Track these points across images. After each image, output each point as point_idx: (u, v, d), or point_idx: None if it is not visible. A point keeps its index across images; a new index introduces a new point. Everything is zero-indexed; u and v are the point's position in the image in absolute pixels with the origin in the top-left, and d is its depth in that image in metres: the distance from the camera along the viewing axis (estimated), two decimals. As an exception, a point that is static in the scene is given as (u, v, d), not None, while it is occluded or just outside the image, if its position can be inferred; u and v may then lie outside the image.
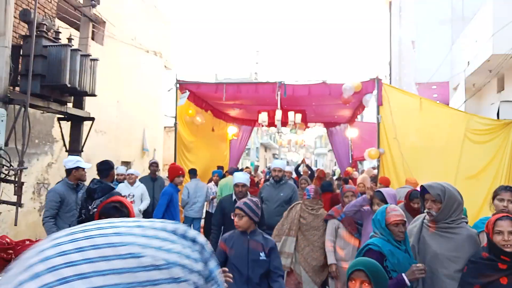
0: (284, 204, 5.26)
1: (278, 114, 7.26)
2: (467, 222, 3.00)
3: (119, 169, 6.95)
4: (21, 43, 5.90)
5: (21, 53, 5.80)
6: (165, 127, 14.41)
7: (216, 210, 4.74)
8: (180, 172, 5.51)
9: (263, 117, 8.29)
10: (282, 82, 7.03)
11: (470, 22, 7.74)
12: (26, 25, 6.21)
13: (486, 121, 6.51)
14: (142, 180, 6.82)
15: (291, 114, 8.06)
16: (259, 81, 21.55)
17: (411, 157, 6.35)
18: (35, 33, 5.51)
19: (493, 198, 3.29)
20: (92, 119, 6.86)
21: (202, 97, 8.48)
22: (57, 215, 4.31)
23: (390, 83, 12.56)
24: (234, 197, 4.48)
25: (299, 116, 8.27)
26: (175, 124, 7.53)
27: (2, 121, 4.84)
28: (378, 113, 6.55)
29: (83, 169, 4.50)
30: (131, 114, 10.99)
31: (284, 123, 8.68)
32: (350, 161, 11.43)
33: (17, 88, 5.75)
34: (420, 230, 2.66)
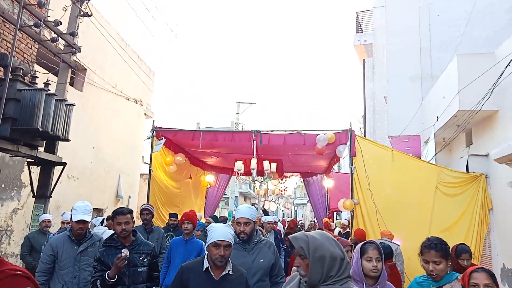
0: (265, 277, 3.23)
1: (253, 162, 7.29)
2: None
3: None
4: (-4, 86, 5.87)
5: (-6, 96, 5.75)
6: (142, 174, 14.21)
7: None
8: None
9: (239, 165, 8.30)
10: (258, 131, 7.12)
11: (438, 79, 8.16)
12: (2, 69, 6.22)
13: (456, 174, 6.66)
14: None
15: (266, 163, 8.10)
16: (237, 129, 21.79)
17: (384, 208, 6.37)
18: (10, 77, 5.51)
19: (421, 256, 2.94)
20: (64, 164, 6.73)
21: (179, 144, 8.48)
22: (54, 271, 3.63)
23: (364, 135, 12.90)
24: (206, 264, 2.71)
25: (274, 165, 8.32)
26: (150, 171, 7.44)
27: (-35, 163, 4.69)
28: (351, 164, 6.65)
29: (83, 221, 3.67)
30: (107, 160, 10.85)
31: (261, 171, 8.70)
32: (327, 212, 11.38)
33: (-14, 131, 5.64)
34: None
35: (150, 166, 7.39)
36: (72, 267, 3.61)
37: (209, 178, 10.91)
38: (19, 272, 2.78)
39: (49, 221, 5.60)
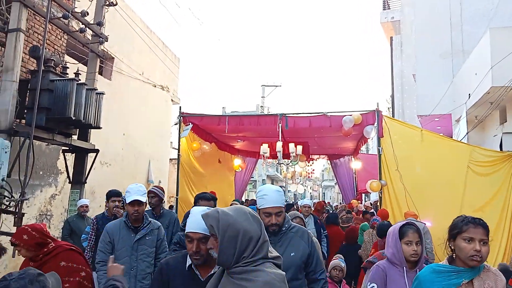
0: (298, 274, 2.62)
1: (279, 145, 7.30)
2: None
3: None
4: (29, 77, 6.11)
5: (29, 87, 6.00)
6: (171, 159, 14.53)
7: None
8: None
9: (264, 148, 8.34)
10: (283, 114, 7.11)
11: (470, 55, 7.86)
12: (35, 61, 6.44)
13: (489, 153, 6.46)
14: None
15: (291, 146, 8.10)
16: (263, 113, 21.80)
17: (413, 189, 6.28)
18: (43, 68, 5.72)
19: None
20: (97, 151, 6.97)
21: (205, 129, 8.59)
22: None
23: (393, 116, 12.64)
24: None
25: (299, 148, 8.31)
26: (178, 156, 7.60)
27: (6, 152, 4.95)
28: (379, 145, 6.56)
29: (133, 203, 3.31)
30: (137, 146, 11.14)
31: (287, 154, 8.72)
32: (355, 194, 11.32)
33: (23, 121, 5.91)
34: (219, 277, 1.74)
35: (178, 151, 7.55)
36: (129, 257, 3.26)
37: (236, 162, 11.04)
38: (73, 248, 3.04)
39: (87, 206, 5.85)
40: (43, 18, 7.11)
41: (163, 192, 4.86)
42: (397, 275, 2.55)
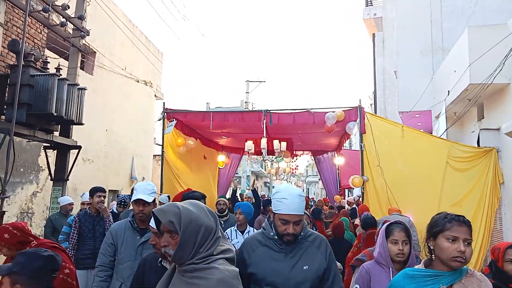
0: None
1: (263, 142, 7.35)
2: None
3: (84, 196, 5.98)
4: (9, 72, 5.99)
5: (8, 82, 5.89)
6: (154, 156, 14.44)
7: None
8: None
9: (249, 145, 8.37)
10: (268, 111, 7.15)
11: (449, 52, 8.02)
12: (14, 55, 6.32)
13: (467, 149, 6.64)
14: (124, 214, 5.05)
15: (276, 143, 8.15)
16: (248, 109, 21.83)
17: (394, 184, 6.41)
18: (22, 63, 5.61)
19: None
20: (79, 147, 6.89)
21: (190, 125, 8.56)
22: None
23: (375, 112, 12.83)
24: None
25: (284, 144, 8.36)
26: (162, 152, 7.57)
27: (-15, 149, 4.86)
28: (361, 141, 6.66)
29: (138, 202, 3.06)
30: (120, 142, 11.03)
31: (271, 151, 8.76)
32: (339, 189, 11.47)
33: (2, 117, 5.79)
34: (171, 274, 1.67)
35: (162, 148, 7.52)
36: (132, 262, 2.94)
37: (221, 158, 11.04)
38: (56, 245, 3.06)
39: (72, 204, 5.77)
40: (22, 11, 6.98)
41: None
42: (382, 276, 2.41)
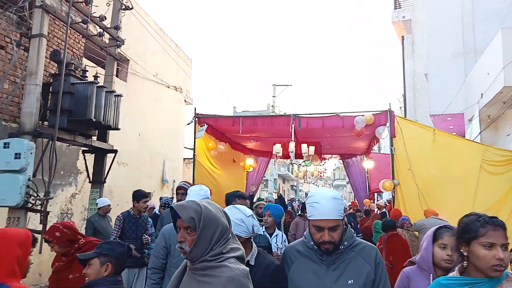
0: None
1: (291, 146, 7.43)
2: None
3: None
4: (51, 81, 6.33)
5: (50, 90, 6.22)
6: (184, 159, 14.75)
7: None
8: None
9: (277, 148, 8.47)
10: (296, 115, 7.23)
11: (482, 55, 7.88)
12: (55, 64, 6.66)
13: (502, 152, 6.50)
14: (166, 215, 4.57)
15: (304, 147, 8.22)
16: (276, 113, 21.92)
17: (426, 188, 6.35)
18: (64, 72, 5.93)
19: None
20: (115, 151, 7.17)
21: (219, 130, 8.75)
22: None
23: (405, 115, 12.66)
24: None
25: (312, 148, 8.41)
26: (194, 156, 7.77)
27: (31, 153, 5.16)
28: (391, 144, 6.64)
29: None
30: (152, 146, 11.36)
31: (299, 155, 8.83)
32: (368, 193, 11.38)
33: (45, 123, 6.13)
34: (182, 273, 1.69)
35: (194, 151, 7.72)
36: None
37: (249, 161, 11.18)
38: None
39: (110, 205, 6.04)
40: (61, 23, 7.35)
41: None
42: (422, 283, 2.21)
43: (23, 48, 6.01)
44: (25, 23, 5.99)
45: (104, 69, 7.97)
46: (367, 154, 10.40)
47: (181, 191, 4.26)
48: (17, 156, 5.04)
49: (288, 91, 79.10)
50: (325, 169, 16.16)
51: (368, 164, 10.31)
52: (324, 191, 2.06)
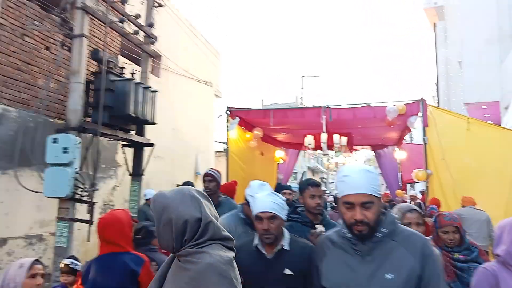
0: None
1: (324, 137, 7.51)
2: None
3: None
4: (91, 78, 6.67)
5: (91, 87, 6.56)
6: (215, 152, 15.05)
7: None
8: None
9: (309, 140, 8.56)
10: (327, 106, 7.30)
11: (519, 40, 7.66)
12: (95, 62, 6.98)
13: (540, 141, 6.35)
14: None
15: (336, 137, 8.27)
16: (304, 105, 21.90)
17: (461, 178, 6.31)
18: (105, 70, 6.24)
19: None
20: (152, 145, 7.48)
21: (251, 122, 8.93)
22: None
23: (438, 104, 12.42)
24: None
25: (344, 139, 8.45)
26: (227, 149, 7.99)
27: (77, 148, 5.50)
28: (424, 134, 6.61)
29: None
30: (184, 140, 11.69)
31: (330, 146, 8.88)
32: (400, 184, 11.30)
33: (88, 118, 6.47)
34: (170, 261, 1.66)
35: (227, 144, 7.93)
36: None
37: (279, 153, 11.31)
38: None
39: None
40: (98, 22, 7.68)
41: (221, 175, 4.33)
42: (511, 281, 1.95)
43: (66, 48, 6.33)
44: (67, 24, 6.31)
45: (139, 65, 8.28)
46: (399, 144, 10.31)
47: (208, 177, 4.13)
48: (65, 150, 5.37)
49: (316, 82, 78.34)
50: (356, 161, 16.05)
51: (400, 154, 10.22)
52: (355, 165, 1.86)
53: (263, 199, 2.25)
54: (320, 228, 2.75)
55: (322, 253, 1.85)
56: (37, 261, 2.35)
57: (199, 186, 11.83)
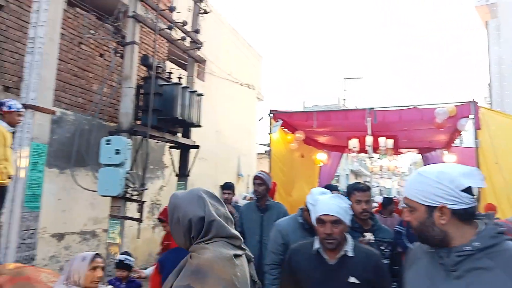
0: None
1: (369, 140, 7.38)
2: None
3: None
4: (141, 83, 6.99)
5: (141, 91, 6.87)
6: (257, 154, 15.19)
7: None
8: None
9: (354, 143, 8.44)
10: (372, 109, 7.17)
11: None
12: (144, 68, 7.30)
13: None
14: (244, 209, 4.33)
15: (382, 140, 8.09)
16: (347, 107, 21.58)
17: (515, 183, 5.99)
18: (154, 75, 6.52)
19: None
20: (198, 147, 7.71)
21: (293, 125, 8.93)
22: None
23: (490, 105, 11.82)
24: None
25: (390, 142, 8.25)
26: (270, 151, 8.05)
27: (129, 149, 5.78)
28: (476, 137, 6.34)
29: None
30: (228, 142, 11.91)
31: (375, 148, 8.70)
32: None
33: (137, 121, 6.78)
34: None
35: (269, 146, 7.99)
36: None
37: (321, 156, 11.21)
38: None
39: None
40: (147, 30, 8.02)
41: (271, 178, 4.20)
42: None
43: (118, 55, 6.68)
44: (119, 32, 6.66)
45: (185, 70, 8.55)
46: (448, 147, 9.91)
47: (258, 181, 4.01)
48: (117, 151, 5.67)
49: (359, 84, 77.03)
50: (401, 166, 15.57)
51: (449, 158, 9.82)
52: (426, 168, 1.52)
53: (327, 201, 2.18)
54: (368, 236, 2.68)
55: (411, 261, 1.57)
56: (97, 255, 2.51)
57: (241, 187, 12.01)
